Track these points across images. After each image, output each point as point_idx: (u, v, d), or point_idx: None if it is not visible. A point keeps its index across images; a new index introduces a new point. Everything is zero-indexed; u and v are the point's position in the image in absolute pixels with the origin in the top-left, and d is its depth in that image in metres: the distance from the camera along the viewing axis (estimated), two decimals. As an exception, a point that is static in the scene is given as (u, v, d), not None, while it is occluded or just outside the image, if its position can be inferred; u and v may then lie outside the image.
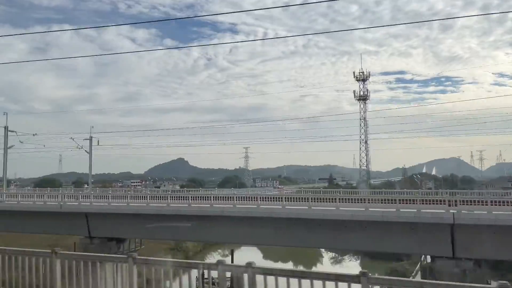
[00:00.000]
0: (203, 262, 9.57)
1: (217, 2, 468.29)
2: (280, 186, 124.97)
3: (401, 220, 29.01)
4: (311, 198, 32.94)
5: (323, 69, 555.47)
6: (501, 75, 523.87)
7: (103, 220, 38.63)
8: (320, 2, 11.83)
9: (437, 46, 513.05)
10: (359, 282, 7.79)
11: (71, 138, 64.20)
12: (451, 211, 28.04)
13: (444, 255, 28.19)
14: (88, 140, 62.58)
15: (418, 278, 39.92)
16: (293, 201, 33.77)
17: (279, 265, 52.24)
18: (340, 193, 34.89)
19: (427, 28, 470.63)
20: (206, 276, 10.56)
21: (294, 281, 7.92)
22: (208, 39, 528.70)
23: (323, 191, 41.26)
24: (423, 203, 30.17)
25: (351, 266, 57.52)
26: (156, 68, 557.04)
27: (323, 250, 64.85)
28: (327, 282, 8.13)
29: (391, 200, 31.21)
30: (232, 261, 33.66)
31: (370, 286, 7.71)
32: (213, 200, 36.11)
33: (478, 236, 27.17)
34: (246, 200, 35.33)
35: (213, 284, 23.10)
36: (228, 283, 10.06)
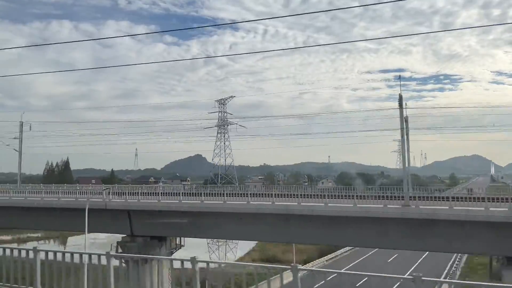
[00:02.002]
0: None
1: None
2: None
3: None
4: None
5: (322, 66, 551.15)
6: (499, 73, 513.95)
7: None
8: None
9: (437, 44, 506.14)
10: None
11: None
12: None
13: None
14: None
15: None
16: None
17: None
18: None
19: (427, 26, 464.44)
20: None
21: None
22: (208, 36, 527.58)
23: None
24: None
25: None
26: (155, 64, 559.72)
27: None
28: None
29: None
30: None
31: None
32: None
33: None
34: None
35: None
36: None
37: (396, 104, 35.23)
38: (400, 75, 36.92)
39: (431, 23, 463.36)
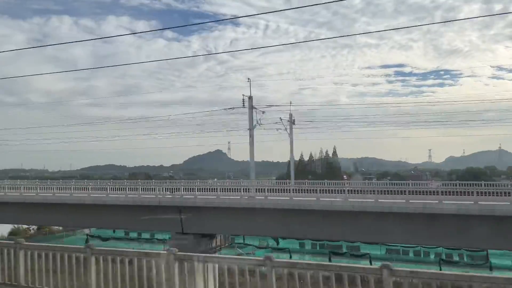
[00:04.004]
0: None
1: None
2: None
3: None
4: None
5: (322, 62, 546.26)
6: (500, 68, 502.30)
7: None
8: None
9: (438, 39, 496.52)
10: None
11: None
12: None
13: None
14: None
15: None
16: None
17: None
18: None
19: (429, 21, 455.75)
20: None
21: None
22: (209, 31, 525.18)
23: None
24: None
25: None
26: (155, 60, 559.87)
27: None
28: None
29: None
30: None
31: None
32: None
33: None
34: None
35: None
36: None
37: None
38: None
39: (433, 18, 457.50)
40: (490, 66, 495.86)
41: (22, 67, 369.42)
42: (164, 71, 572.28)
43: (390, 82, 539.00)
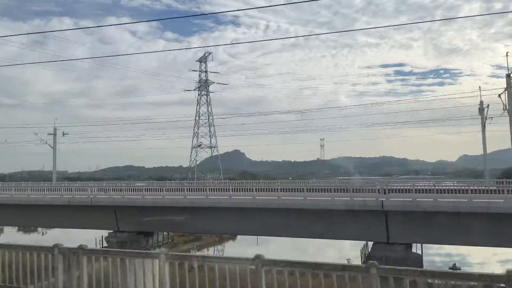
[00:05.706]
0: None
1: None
2: None
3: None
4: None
5: (322, 61, 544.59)
6: (499, 67, 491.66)
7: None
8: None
9: (438, 38, 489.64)
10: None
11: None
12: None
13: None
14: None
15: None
16: None
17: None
18: None
19: (429, 20, 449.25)
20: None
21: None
22: (209, 32, 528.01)
23: None
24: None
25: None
26: (155, 61, 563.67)
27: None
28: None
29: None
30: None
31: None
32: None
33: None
34: None
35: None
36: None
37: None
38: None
39: (433, 17, 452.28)
40: (490, 65, 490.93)
41: (22, 68, 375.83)
42: (165, 72, 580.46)
43: (389, 81, 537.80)
